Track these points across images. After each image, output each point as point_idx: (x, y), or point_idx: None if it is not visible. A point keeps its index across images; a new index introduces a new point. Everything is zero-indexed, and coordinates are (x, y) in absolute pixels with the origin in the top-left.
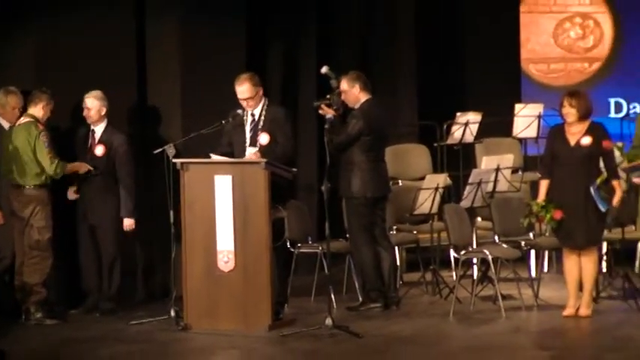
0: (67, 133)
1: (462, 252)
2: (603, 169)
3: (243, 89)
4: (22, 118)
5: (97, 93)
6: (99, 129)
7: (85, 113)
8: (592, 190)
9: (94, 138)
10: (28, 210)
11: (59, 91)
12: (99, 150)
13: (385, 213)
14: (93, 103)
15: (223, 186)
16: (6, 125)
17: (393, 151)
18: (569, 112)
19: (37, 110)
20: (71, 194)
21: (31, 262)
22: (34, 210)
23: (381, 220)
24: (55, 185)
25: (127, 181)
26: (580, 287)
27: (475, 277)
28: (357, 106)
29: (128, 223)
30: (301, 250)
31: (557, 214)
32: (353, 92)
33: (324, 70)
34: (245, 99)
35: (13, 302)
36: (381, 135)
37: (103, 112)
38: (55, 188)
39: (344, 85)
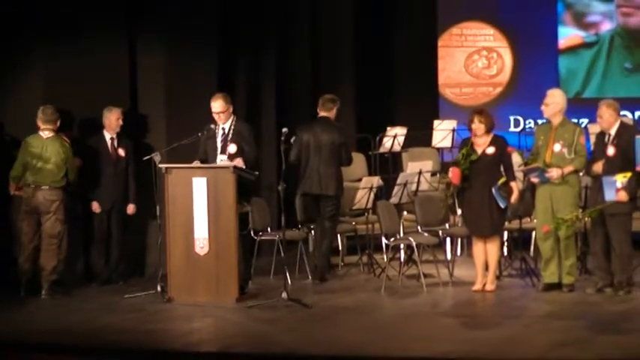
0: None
1: (392, 239)
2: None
3: (217, 105)
4: (46, 132)
5: (118, 108)
6: (116, 135)
7: (112, 124)
8: (494, 190)
9: (112, 144)
10: (54, 206)
11: (65, 107)
12: (122, 152)
13: (329, 207)
14: (117, 115)
15: (199, 186)
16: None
17: None
18: (479, 127)
19: (57, 126)
20: (96, 207)
21: (51, 248)
22: (58, 206)
23: (324, 213)
24: None
25: (134, 175)
26: (486, 267)
27: (402, 259)
28: None
29: (133, 208)
30: (262, 238)
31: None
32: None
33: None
34: (218, 113)
35: (25, 281)
36: (315, 143)
37: (121, 124)
38: None
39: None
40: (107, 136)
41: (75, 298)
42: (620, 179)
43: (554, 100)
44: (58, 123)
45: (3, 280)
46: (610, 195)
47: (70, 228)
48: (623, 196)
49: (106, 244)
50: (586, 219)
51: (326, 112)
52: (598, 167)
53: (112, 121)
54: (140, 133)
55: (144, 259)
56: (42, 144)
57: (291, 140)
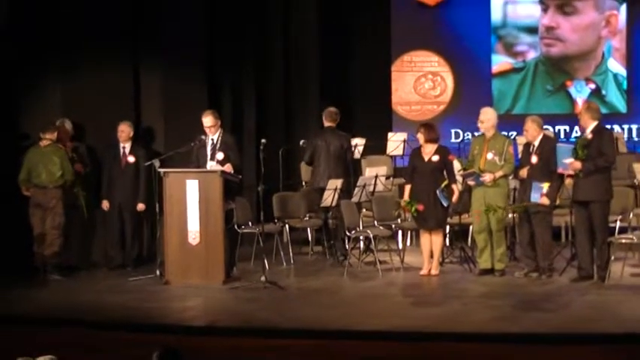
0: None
1: (353, 232)
2: (446, 177)
3: (208, 120)
4: (44, 141)
5: (128, 122)
6: (127, 145)
7: (120, 135)
8: (438, 191)
9: (124, 152)
10: (53, 202)
11: (79, 120)
12: (131, 159)
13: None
14: (127, 128)
15: (192, 187)
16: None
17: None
18: (420, 137)
19: (54, 136)
20: (105, 205)
21: (53, 237)
22: (57, 202)
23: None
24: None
25: (145, 179)
26: (431, 255)
27: (361, 248)
28: None
29: (142, 206)
30: (244, 231)
31: (420, 207)
32: (325, 120)
33: (301, 143)
34: (208, 127)
35: (43, 265)
36: (327, 147)
37: (131, 135)
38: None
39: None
40: (120, 145)
41: (86, 280)
42: (546, 187)
43: (487, 117)
44: (56, 133)
45: (28, 266)
46: (535, 197)
47: (88, 222)
48: (545, 200)
49: (118, 235)
50: (514, 215)
51: (332, 122)
52: (524, 173)
53: (119, 132)
54: (142, 142)
55: (145, 248)
56: (40, 152)
57: (301, 144)
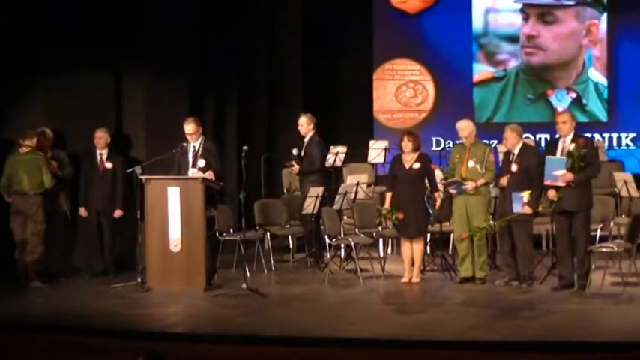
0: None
1: (334, 239)
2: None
3: (190, 127)
4: (23, 148)
5: (104, 129)
6: (105, 152)
7: (96, 142)
8: (426, 199)
9: (101, 158)
10: (33, 209)
11: (63, 129)
12: (109, 165)
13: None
14: (104, 135)
15: (173, 194)
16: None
17: (288, 172)
18: (407, 145)
19: (34, 142)
20: (82, 212)
21: (34, 244)
22: (37, 209)
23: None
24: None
25: (122, 185)
26: (412, 263)
27: (342, 256)
28: (307, 137)
29: (119, 212)
30: (226, 238)
31: (400, 215)
32: (309, 127)
33: (294, 152)
34: (190, 134)
35: (24, 272)
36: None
37: (108, 141)
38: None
39: (304, 120)
40: (97, 151)
41: (69, 287)
42: (527, 196)
43: (469, 131)
44: (35, 140)
45: (10, 272)
46: (517, 208)
47: (69, 229)
48: (527, 210)
49: (97, 242)
50: (495, 223)
51: (315, 129)
52: (504, 181)
53: (96, 139)
54: (124, 150)
55: (126, 255)
56: (20, 159)
57: (294, 152)
